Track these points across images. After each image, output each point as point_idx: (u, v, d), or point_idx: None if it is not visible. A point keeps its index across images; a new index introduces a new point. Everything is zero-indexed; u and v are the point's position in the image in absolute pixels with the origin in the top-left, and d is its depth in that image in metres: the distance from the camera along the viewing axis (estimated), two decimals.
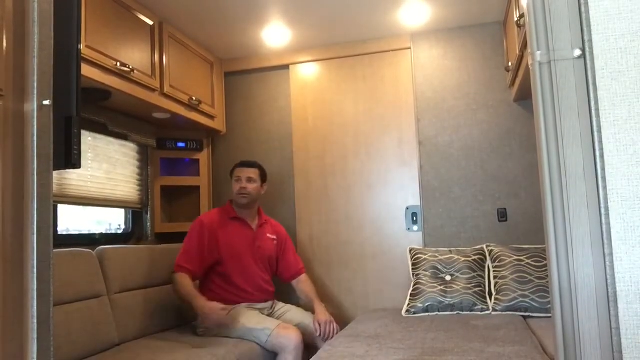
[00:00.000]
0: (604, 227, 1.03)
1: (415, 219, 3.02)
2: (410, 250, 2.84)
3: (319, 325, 2.54)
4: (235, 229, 2.67)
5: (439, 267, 2.68)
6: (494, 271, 2.61)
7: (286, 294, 2.93)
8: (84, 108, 2.41)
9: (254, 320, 2.43)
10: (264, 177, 2.78)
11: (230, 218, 2.69)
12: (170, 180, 3.24)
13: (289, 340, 2.31)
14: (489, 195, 2.93)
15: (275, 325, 2.37)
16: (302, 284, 2.80)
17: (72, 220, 2.70)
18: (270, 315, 2.63)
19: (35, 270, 1.01)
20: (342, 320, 2.98)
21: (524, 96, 2.79)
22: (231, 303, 2.50)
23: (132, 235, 3.01)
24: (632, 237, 1.01)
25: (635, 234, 1.01)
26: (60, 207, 2.51)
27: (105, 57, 2.27)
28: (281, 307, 2.72)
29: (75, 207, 2.65)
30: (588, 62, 1.06)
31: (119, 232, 2.98)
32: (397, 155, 3.11)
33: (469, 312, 2.51)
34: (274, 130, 3.35)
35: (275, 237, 2.83)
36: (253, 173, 2.73)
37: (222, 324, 2.37)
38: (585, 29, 1.06)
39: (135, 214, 3.03)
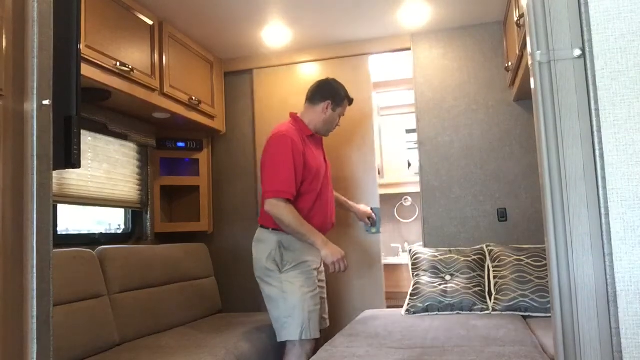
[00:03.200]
0: (604, 227, 1.03)
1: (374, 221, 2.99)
2: (410, 250, 2.84)
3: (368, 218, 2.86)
4: (313, 147, 2.47)
5: (439, 267, 2.68)
6: (493, 271, 2.60)
7: None
8: (83, 108, 2.41)
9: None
10: None
11: (308, 136, 2.45)
12: (170, 180, 3.24)
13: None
14: (489, 195, 2.93)
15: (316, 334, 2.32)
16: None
17: (72, 220, 2.70)
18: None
19: (35, 270, 1.01)
20: (342, 320, 2.98)
21: (524, 96, 2.79)
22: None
23: (132, 235, 3.01)
24: (632, 237, 1.01)
25: (635, 234, 1.01)
26: (60, 207, 2.51)
27: (105, 57, 2.27)
28: (322, 270, 2.54)
29: (75, 207, 2.65)
30: (588, 62, 1.06)
31: (119, 232, 2.98)
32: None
33: (468, 312, 2.51)
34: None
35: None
36: None
37: (341, 271, 2.35)
38: (585, 29, 1.06)
39: (135, 214, 3.04)
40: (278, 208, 2.25)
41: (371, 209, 2.94)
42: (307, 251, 2.36)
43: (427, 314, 2.56)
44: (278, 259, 2.33)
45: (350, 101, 2.58)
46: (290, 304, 2.28)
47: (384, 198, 4.07)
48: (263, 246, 2.38)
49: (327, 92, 2.49)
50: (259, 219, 2.46)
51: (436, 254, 2.74)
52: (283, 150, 2.29)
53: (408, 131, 4.22)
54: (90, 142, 2.65)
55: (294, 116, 2.52)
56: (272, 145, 2.34)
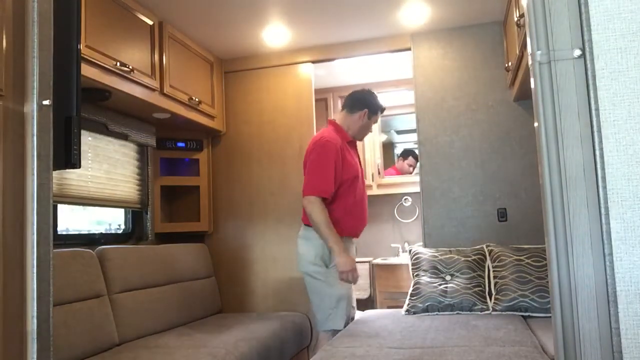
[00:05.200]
0: (604, 227, 1.03)
1: None
2: (410, 250, 2.84)
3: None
4: (352, 152, 2.61)
5: (439, 267, 2.68)
6: (493, 271, 2.60)
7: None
8: (83, 108, 2.41)
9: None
10: None
11: (347, 142, 2.59)
12: (170, 180, 3.24)
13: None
14: (489, 195, 2.93)
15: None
16: None
17: (72, 220, 2.70)
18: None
19: (35, 270, 1.01)
20: None
21: (524, 96, 2.79)
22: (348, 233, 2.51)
23: (132, 235, 3.01)
24: (632, 237, 1.01)
25: (635, 234, 1.01)
26: (60, 207, 2.51)
27: (105, 57, 2.27)
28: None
29: (75, 207, 2.65)
30: (588, 62, 1.06)
31: (119, 232, 2.98)
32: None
33: (468, 312, 2.51)
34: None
35: None
36: None
37: (349, 282, 2.43)
38: (585, 29, 1.06)
39: (135, 214, 3.03)
40: (312, 205, 2.39)
41: None
42: (350, 251, 2.51)
43: (427, 314, 2.56)
44: (326, 255, 2.46)
45: (382, 110, 2.72)
46: (336, 297, 2.43)
47: (384, 198, 4.07)
48: (311, 243, 2.49)
49: (365, 102, 2.63)
50: (302, 218, 2.57)
51: (436, 254, 2.74)
52: (327, 154, 2.45)
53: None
54: (90, 142, 2.65)
55: (333, 123, 2.64)
56: (316, 150, 2.49)
